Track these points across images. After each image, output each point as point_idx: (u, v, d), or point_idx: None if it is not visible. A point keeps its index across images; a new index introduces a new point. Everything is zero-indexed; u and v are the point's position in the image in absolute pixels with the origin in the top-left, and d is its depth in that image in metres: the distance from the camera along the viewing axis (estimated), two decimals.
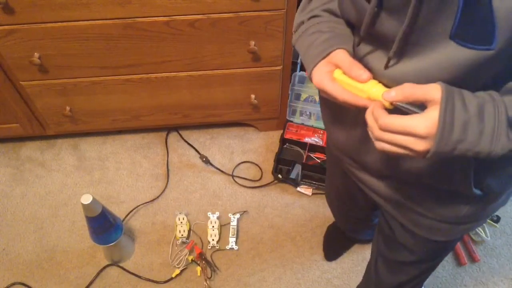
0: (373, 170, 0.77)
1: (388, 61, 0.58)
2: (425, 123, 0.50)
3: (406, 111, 0.53)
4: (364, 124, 0.58)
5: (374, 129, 0.55)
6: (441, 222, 0.76)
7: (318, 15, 0.70)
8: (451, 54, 0.52)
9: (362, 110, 0.59)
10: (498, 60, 0.51)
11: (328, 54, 0.63)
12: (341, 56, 0.62)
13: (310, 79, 0.65)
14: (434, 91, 0.51)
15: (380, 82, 0.59)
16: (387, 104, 0.55)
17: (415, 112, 0.52)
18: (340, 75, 0.62)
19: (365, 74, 0.58)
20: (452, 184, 0.67)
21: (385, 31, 0.57)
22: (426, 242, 0.83)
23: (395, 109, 0.55)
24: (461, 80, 0.53)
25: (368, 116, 0.56)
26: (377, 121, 0.54)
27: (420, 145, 0.52)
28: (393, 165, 0.71)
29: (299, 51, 0.70)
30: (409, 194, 0.76)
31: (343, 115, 0.75)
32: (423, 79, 0.54)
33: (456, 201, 0.72)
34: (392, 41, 0.55)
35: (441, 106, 0.50)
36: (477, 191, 0.67)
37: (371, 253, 1.07)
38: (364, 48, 0.63)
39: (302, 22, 0.71)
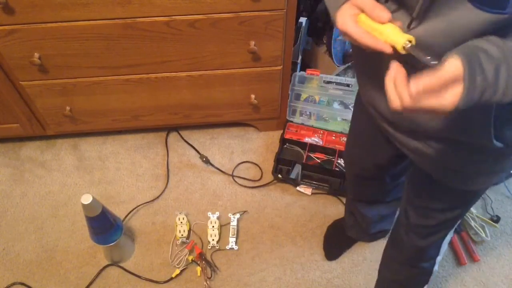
0: (400, 127, 0.82)
1: (411, 22, 0.61)
2: (452, 66, 0.52)
3: (420, 59, 0.55)
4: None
5: (403, 98, 0.55)
6: (467, 173, 0.81)
7: None
8: (467, 16, 0.54)
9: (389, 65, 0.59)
10: (510, 25, 0.54)
11: None
12: None
13: (335, 24, 0.66)
14: (455, 67, 0.52)
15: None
16: (399, 48, 0.56)
17: (432, 62, 0.54)
18: (365, 18, 0.63)
19: (386, 14, 0.59)
20: (474, 137, 0.71)
21: None
22: (454, 191, 0.87)
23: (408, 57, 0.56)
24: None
25: (390, 88, 0.57)
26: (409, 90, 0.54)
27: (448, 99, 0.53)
28: (418, 122, 0.75)
29: None
30: (434, 147, 0.79)
31: (375, 73, 0.78)
32: (441, 39, 0.58)
33: (479, 154, 0.75)
34: (415, 2, 0.58)
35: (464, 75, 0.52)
36: (499, 144, 0.70)
37: (402, 200, 1.11)
38: (389, 7, 0.64)
39: None
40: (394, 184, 1.24)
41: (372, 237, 1.55)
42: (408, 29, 0.62)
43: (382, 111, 0.83)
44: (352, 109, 1.10)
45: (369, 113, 0.92)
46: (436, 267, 1.19)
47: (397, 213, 1.22)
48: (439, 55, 0.54)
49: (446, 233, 1.08)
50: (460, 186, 0.86)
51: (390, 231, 1.29)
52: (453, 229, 1.07)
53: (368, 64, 0.80)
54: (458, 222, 1.04)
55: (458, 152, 0.78)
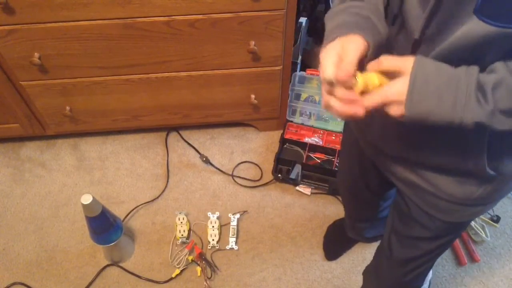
0: (389, 153, 0.81)
1: (414, 44, 0.62)
2: (396, 88, 0.57)
3: None
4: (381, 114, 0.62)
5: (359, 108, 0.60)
6: (454, 204, 0.79)
7: None
8: (471, 28, 0.54)
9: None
10: None
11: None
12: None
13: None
14: (407, 63, 0.57)
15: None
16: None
17: None
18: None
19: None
20: (466, 165, 0.70)
21: (412, 14, 0.60)
22: (441, 221, 0.86)
23: None
24: (472, 54, 0.56)
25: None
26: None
27: (395, 110, 0.58)
28: (408, 148, 0.75)
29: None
30: (423, 175, 0.78)
31: None
32: (445, 57, 0.58)
33: (469, 183, 0.74)
34: (417, 23, 0.60)
35: (411, 76, 0.56)
36: (491, 172, 0.69)
37: (385, 229, 1.08)
38: (392, 30, 0.65)
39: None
40: (387, 204, 1.23)
41: (371, 239, 1.55)
42: (412, 52, 0.61)
43: (367, 137, 0.83)
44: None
45: (355, 139, 0.91)
46: None
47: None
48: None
49: (431, 265, 1.05)
50: (447, 217, 0.84)
51: (373, 262, 1.27)
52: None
53: None
54: (444, 251, 1.01)
55: (445, 181, 0.76)
